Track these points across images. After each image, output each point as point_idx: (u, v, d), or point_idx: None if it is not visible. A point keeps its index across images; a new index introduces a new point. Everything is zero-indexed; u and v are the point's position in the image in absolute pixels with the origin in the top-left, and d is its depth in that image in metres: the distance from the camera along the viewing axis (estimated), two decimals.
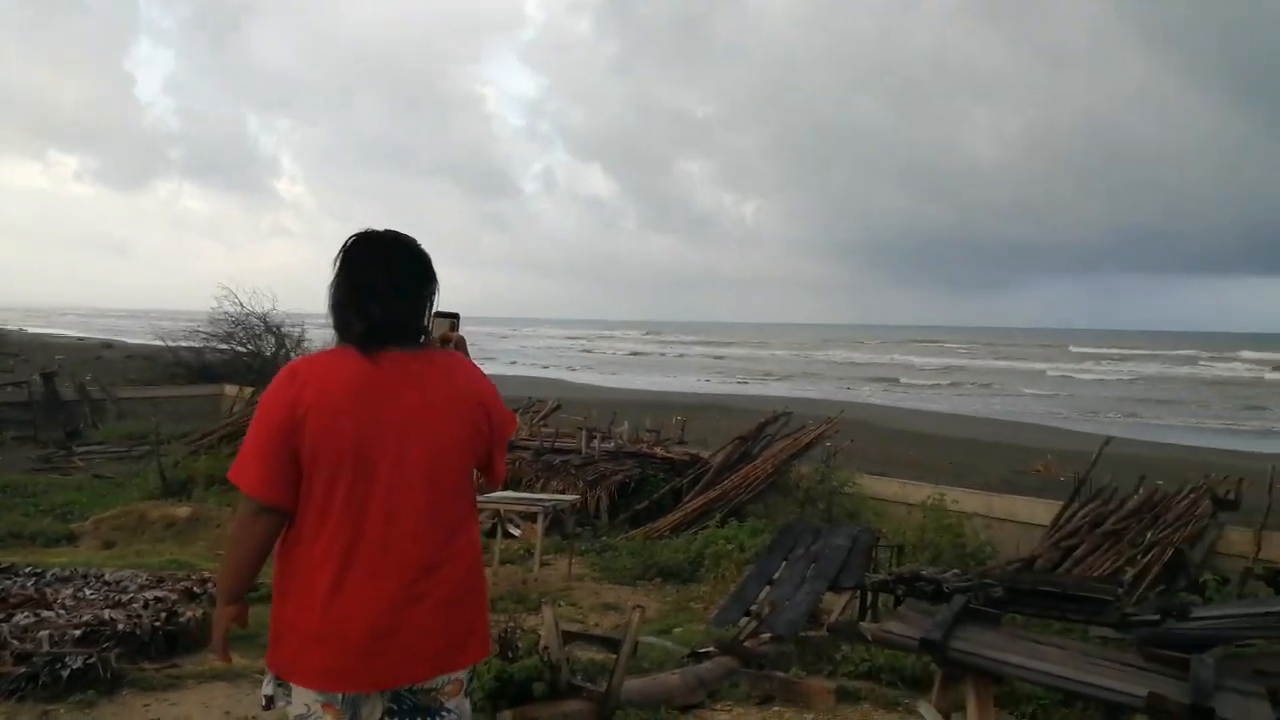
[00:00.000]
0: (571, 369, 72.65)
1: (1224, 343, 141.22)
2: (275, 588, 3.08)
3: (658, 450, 19.52)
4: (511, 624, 6.20)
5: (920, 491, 16.30)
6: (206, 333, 35.41)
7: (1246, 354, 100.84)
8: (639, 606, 5.83)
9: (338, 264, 3.13)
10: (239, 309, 34.37)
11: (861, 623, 6.46)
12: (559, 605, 11.01)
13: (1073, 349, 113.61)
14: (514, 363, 77.60)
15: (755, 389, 56.83)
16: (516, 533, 15.76)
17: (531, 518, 13.12)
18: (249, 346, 34.54)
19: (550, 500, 13.62)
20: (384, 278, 3.09)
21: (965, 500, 16.25)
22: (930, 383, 62.88)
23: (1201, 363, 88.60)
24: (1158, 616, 8.14)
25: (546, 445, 19.32)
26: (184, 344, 36.01)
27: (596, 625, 10.17)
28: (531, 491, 17.89)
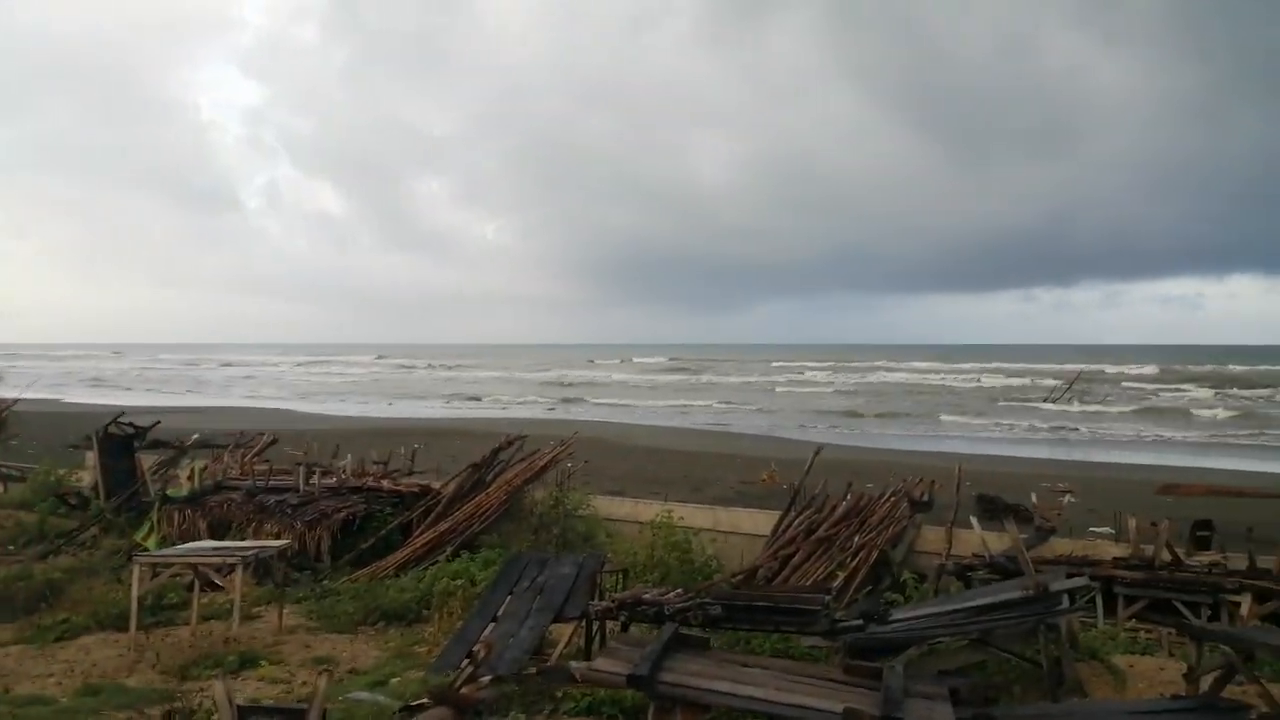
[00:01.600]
0: (300, 397, 68.66)
1: (917, 353, 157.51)
2: None
3: (385, 483, 18.61)
4: (180, 703, 5.43)
5: (650, 510, 16.58)
6: None
7: (947, 364, 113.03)
8: (326, 670, 5.28)
9: None
10: None
11: (572, 662, 6.27)
12: (262, 665, 10.08)
13: (796, 363, 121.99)
14: (230, 393, 72.42)
15: (495, 411, 56.34)
16: (221, 583, 14.35)
17: (230, 570, 11.90)
18: None
19: (252, 549, 12.47)
20: None
21: (693, 516, 16.71)
22: (667, 402, 64.98)
23: (901, 372, 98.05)
24: (861, 622, 8.59)
25: (260, 484, 17.87)
26: None
27: (305, 684, 9.34)
28: (243, 536, 16.49)
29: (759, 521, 16.32)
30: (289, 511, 16.54)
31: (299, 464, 19.18)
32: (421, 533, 16.45)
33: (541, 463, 17.43)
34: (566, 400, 66.07)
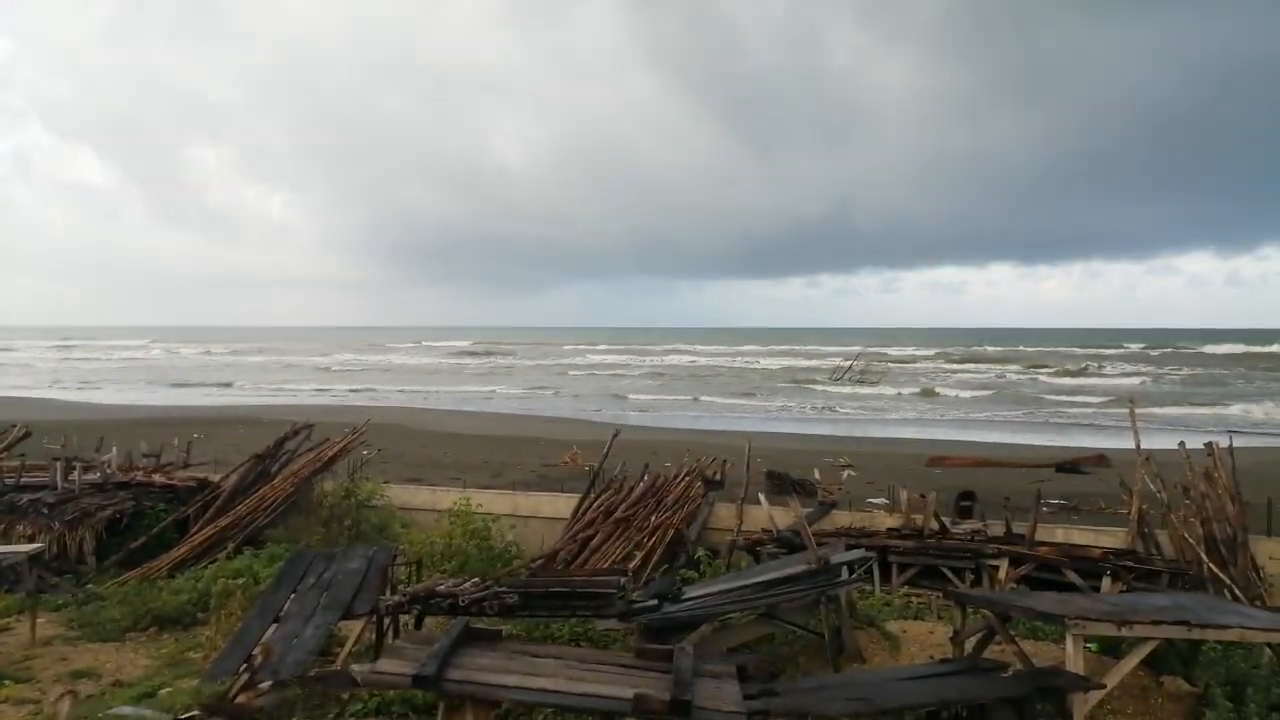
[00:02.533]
0: (60, 385, 62.60)
1: (712, 337, 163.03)
2: None
3: (157, 477, 17.20)
4: None
5: (449, 497, 16.22)
6: None
7: (742, 347, 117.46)
8: (69, 691, 4.73)
9: None
10: None
11: (354, 665, 5.94)
12: (5, 685, 9.06)
13: (596, 347, 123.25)
14: None
15: (281, 399, 53.49)
16: None
17: None
18: None
19: None
20: None
21: (492, 502, 16.48)
22: (466, 387, 63.82)
23: (694, 356, 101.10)
24: (655, 602, 8.71)
25: (10, 482, 16.08)
26: None
27: (69, 695, 8.42)
28: None
29: (559, 505, 16.30)
30: (45, 511, 14.97)
31: (56, 459, 17.40)
32: (199, 529, 15.32)
33: (331, 452, 16.63)
34: (359, 386, 63.60)
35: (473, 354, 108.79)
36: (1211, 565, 11.60)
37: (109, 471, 17.03)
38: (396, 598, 8.56)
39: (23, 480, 16.22)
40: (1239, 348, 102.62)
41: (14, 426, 23.04)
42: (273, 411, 40.60)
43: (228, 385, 63.66)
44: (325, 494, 16.12)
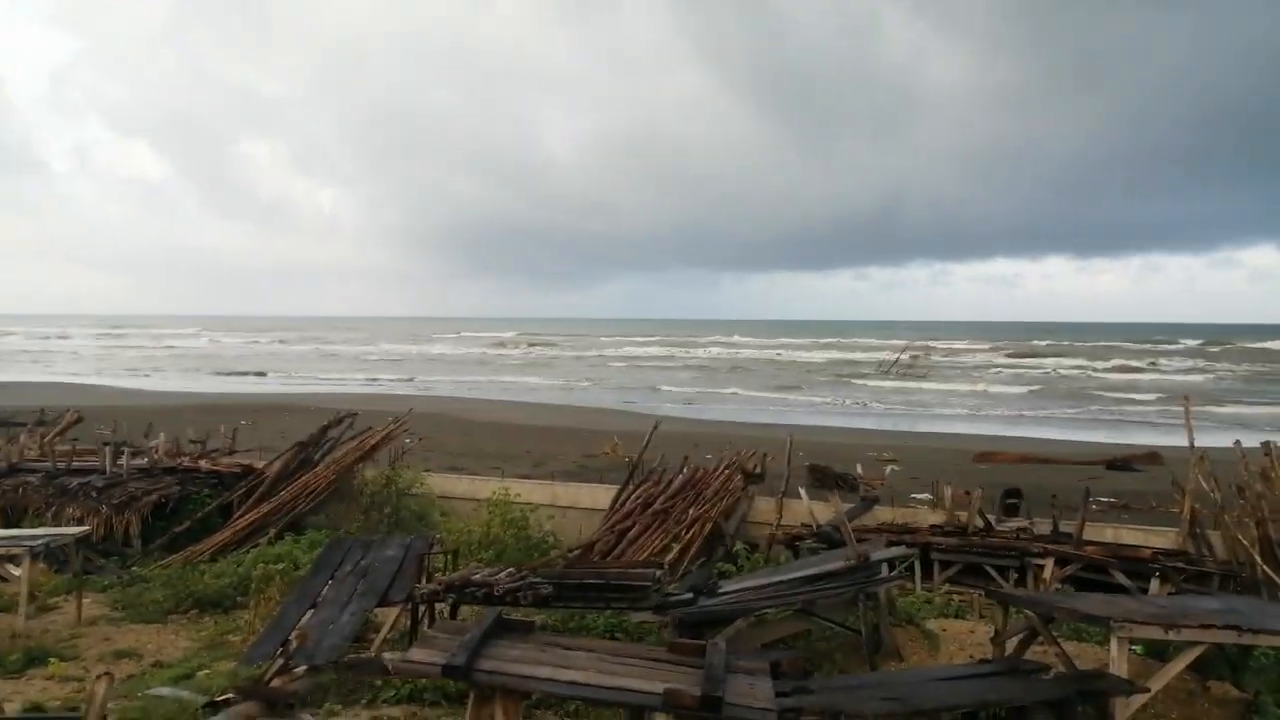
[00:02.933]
0: (113, 373, 64.12)
1: (763, 329, 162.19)
2: None
3: (203, 463, 17.53)
4: None
5: (488, 486, 16.28)
6: None
7: (787, 339, 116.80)
8: (106, 673, 4.81)
9: None
10: None
11: (385, 653, 5.97)
12: (52, 662, 9.29)
13: (642, 338, 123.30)
14: (34, 368, 66.98)
15: (328, 387, 54.27)
16: (18, 572, 13.18)
17: (17, 559, 10.87)
18: None
19: (42, 536, 11.45)
20: None
21: (531, 492, 16.52)
22: (513, 378, 64.18)
23: (736, 349, 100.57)
24: (691, 595, 8.66)
25: (61, 466, 16.49)
26: None
27: (105, 677, 8.60)
28: (42, 523, 15.23)
29: (598, 496, 16.30)
30: (94, 495, 15.32)
31: (105, 444, 17.81)
32: (242, 514, 15.59)
33: (373, 441, 16.80)
34: (403, 375, 64.27)
35: (515, 345, 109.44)
36: (1266, 568, 11.28)
37: (156, 457, 17.38)
38: (432, 586, 8.60)
39: (73, 464, 16.60)
40: None
41: (67, 411, 23.68)
42: (318, 399, 41.16)
43: (265, 374, 64.61)
44: (366, 482, 16.29)
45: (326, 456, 16.92)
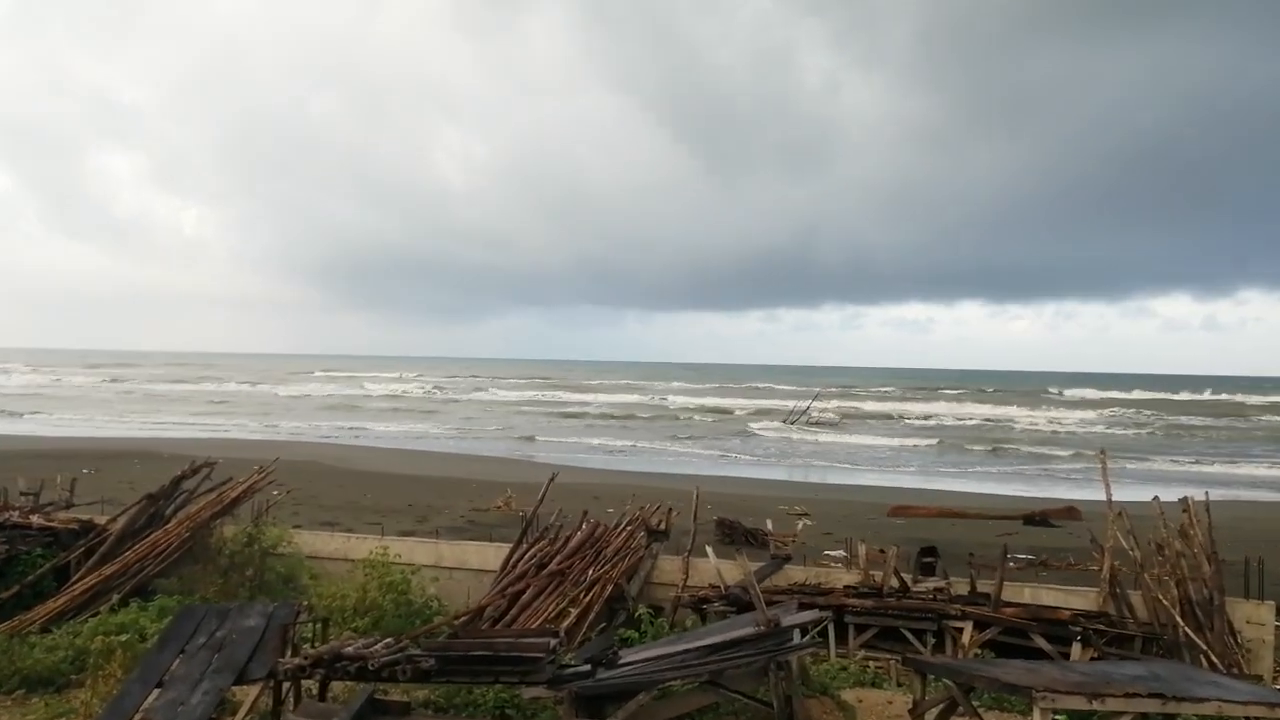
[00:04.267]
0: None
1: (664, 372, 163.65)
2: None
3: (35, 518, 16.53)
4: None
5: (365, 545, 15.78)
6: None
7: (695, 385, 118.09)
8: None
9: None
10: None
11: None
12: None
13: (538, 379, 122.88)
14: None
15: (186, 431, 52.25)
16: None
17: None
18: None
19: None
20: None
21: (413, 551, 16.07)
22: (399, 426, 62.76)
23: (650, 395, 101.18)
24: (588, 668, 8.48)
25: None
26: None
27: None
28: None
29: (488, 555, 15.97)
30: None
31: None
32: (81, 577, 14.73)
33: (234, 493, 16.13)
34: (271, 420, 62.33)
35: (399, 384, 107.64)
36: (1187, 629, 11.70)
37: None
38: (298, 660, 8.22)
39: None
40: (1217, 396, 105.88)
41: None
42: (173, 445, 39.58)
43: (122, 417, 61.93)
44: (225, 540, 15.59)
45: (180, 511, 16.17)
